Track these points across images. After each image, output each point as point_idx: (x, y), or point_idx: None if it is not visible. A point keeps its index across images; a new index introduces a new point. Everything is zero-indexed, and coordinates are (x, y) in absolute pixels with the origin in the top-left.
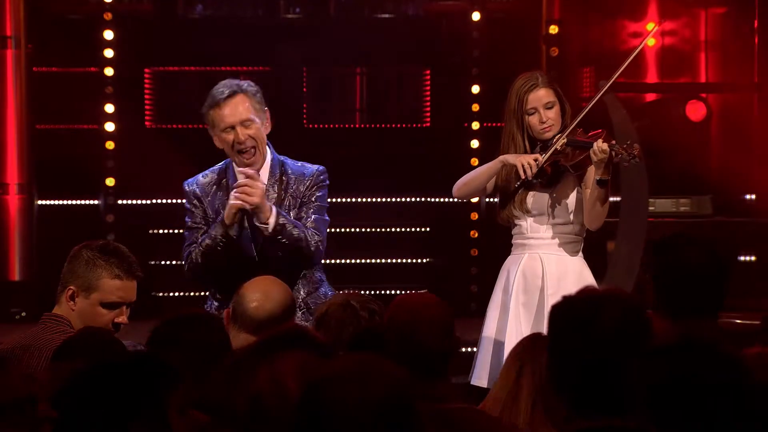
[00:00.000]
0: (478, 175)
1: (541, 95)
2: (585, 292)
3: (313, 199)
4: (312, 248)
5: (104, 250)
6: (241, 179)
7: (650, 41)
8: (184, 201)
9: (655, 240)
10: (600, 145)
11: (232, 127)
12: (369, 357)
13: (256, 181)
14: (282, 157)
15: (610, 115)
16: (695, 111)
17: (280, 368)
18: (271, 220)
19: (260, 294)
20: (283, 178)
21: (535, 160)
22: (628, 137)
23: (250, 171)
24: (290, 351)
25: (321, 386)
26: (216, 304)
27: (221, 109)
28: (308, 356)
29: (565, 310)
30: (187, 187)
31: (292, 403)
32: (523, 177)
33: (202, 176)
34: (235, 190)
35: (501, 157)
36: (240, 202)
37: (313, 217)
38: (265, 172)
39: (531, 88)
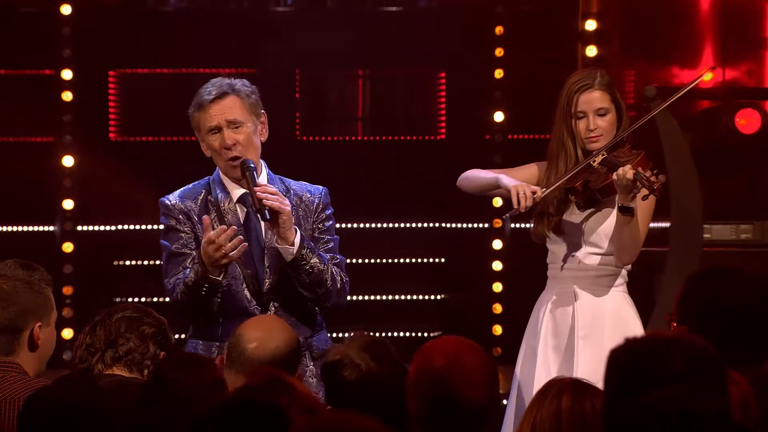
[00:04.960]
0: (479, 180)
1: (594, 98)
2: (650, 337)
3: (326, 228)
4: (338, 285)
5: (25, 267)
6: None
7: (707, 76)
8: (162, 220)
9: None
10: (625, 170)
11: (219, 129)
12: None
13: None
14: (278, 177)
15: (658, 125)
16: (747, 121)
17: None
18: (296, 240)
19: (261, 333)
20: (287, 195)
21: (534, 193)
22: (678, 151)
23: (271, 188)
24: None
25: None
26: (202, 344)
27: (208, 109)
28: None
29: (625, 355)
30: (168, 201)
31: None
32: (515, 207)
33: (186, 189)
34: (259, 190)
35: (500, 176)
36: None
37: (338, 258)
38: None
39: (583, 88)
